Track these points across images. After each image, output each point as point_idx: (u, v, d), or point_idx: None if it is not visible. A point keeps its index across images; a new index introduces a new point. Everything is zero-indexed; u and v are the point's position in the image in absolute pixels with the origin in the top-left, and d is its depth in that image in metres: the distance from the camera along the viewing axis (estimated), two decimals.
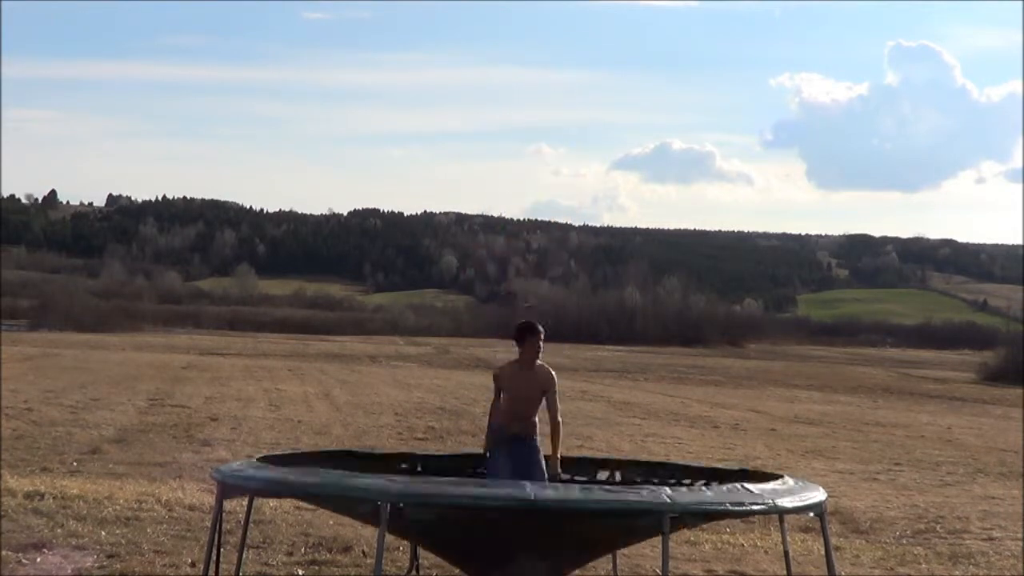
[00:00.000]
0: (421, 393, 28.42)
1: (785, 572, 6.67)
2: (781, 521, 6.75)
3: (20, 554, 7.35)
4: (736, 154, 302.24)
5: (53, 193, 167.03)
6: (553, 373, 7.08)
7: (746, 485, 6.11)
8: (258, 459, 6.91)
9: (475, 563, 6.19)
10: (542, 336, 7.06)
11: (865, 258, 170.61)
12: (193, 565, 7.18)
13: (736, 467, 8.27)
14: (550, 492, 5.98)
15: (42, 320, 76.04)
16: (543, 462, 7.02)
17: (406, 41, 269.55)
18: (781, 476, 6.70)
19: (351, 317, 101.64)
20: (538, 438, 7.09)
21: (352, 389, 29.24)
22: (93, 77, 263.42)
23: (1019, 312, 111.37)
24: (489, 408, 7.28)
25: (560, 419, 7.04)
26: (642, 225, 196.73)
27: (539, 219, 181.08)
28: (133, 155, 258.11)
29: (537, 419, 7.08)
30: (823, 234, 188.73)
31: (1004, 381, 51.40)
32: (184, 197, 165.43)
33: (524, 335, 7.03)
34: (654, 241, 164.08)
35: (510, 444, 7.03)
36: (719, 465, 13.93)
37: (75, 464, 12.91)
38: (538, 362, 7.06)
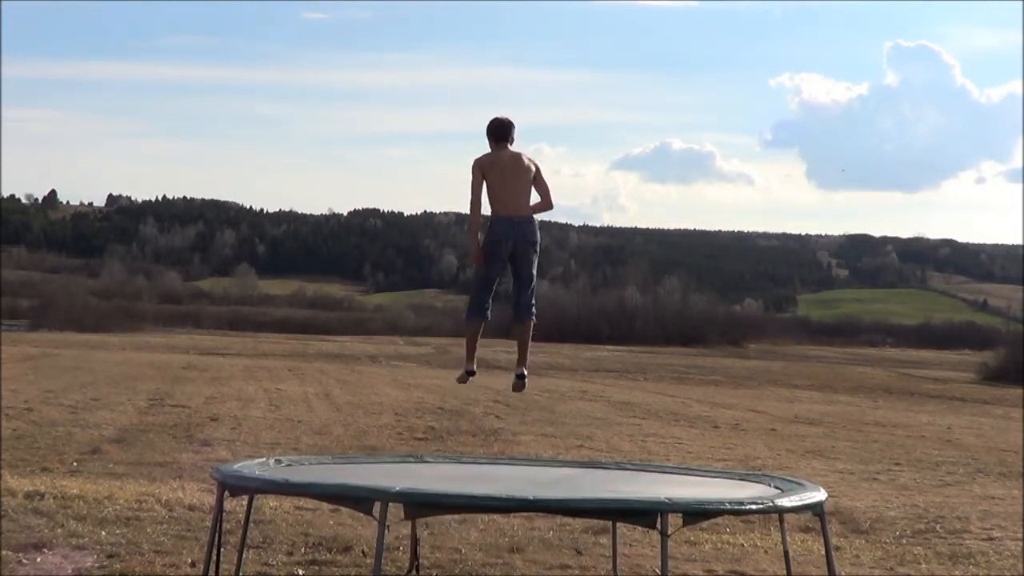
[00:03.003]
0: (421, 393, 28.40)
1: (785, 572, 6.68)
2: (781, 521, 6.76)
3: (20, 554, 7.36)
4: (736, 154, 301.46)
5: (53, 193, 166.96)
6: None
7: (746, 485, 6.12)
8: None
9: None
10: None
11: (865, 258, 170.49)
12: (193, 565, 7.19)
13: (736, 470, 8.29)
14: (550, 493, 5.99)
15: (42, 320, 75.84)
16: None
17: (406, 41, 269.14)
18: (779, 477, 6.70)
19: (351, 317, 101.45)
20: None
21: (352, 389, 29.24)
22: (93, 77, 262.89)
23: (1019, 312, 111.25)
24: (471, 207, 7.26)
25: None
26: (642, 225, 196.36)
27: (539, 219, 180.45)
28: (133, 155, 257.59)
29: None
30: (823, 234, 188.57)
31: (1004, 381, 51.27)
32: (184, 197, 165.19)
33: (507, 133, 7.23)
34: (654, 241, 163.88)
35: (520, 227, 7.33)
36: (719, 466, 13.95)
37: (75, 464, 12.92)
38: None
